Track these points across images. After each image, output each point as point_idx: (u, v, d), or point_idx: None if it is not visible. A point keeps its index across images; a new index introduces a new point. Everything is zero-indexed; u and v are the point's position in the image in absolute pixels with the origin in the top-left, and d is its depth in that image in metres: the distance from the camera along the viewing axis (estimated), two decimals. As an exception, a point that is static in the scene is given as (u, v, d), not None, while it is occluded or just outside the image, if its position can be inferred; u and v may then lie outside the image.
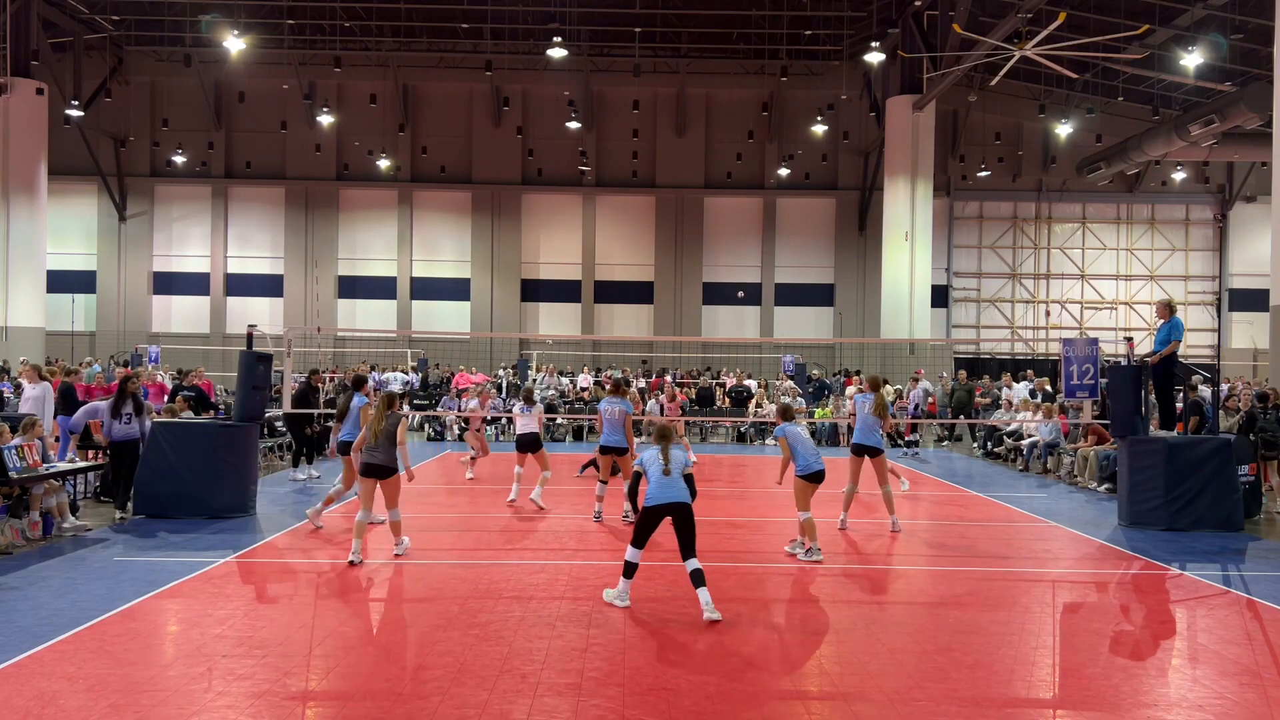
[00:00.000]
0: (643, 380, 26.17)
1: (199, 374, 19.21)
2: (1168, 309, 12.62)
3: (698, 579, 7.43)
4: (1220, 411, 14.02)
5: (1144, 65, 28.09)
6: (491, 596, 8.01)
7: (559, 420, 23.51)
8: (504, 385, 26.27)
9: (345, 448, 11.28)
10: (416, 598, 8.00)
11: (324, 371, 18.32)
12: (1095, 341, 12.91)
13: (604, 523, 11.47)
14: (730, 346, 36.04)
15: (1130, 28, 23.86)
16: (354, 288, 38.12)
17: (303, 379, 16.26)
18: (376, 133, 36.86)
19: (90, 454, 13.08)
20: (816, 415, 23.61)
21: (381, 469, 9.41)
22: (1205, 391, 17.44)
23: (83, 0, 31.91)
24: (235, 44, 28.22)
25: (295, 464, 15.82)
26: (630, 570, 7.69)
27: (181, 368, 22.06)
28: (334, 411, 14.96)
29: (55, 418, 13.98)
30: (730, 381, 27.02)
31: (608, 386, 12.49)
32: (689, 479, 7.83)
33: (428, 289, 38.10)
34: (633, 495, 8.24)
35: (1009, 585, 8.79)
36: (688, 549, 7.50)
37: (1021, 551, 10.45)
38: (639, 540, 7.62)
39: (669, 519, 7.56)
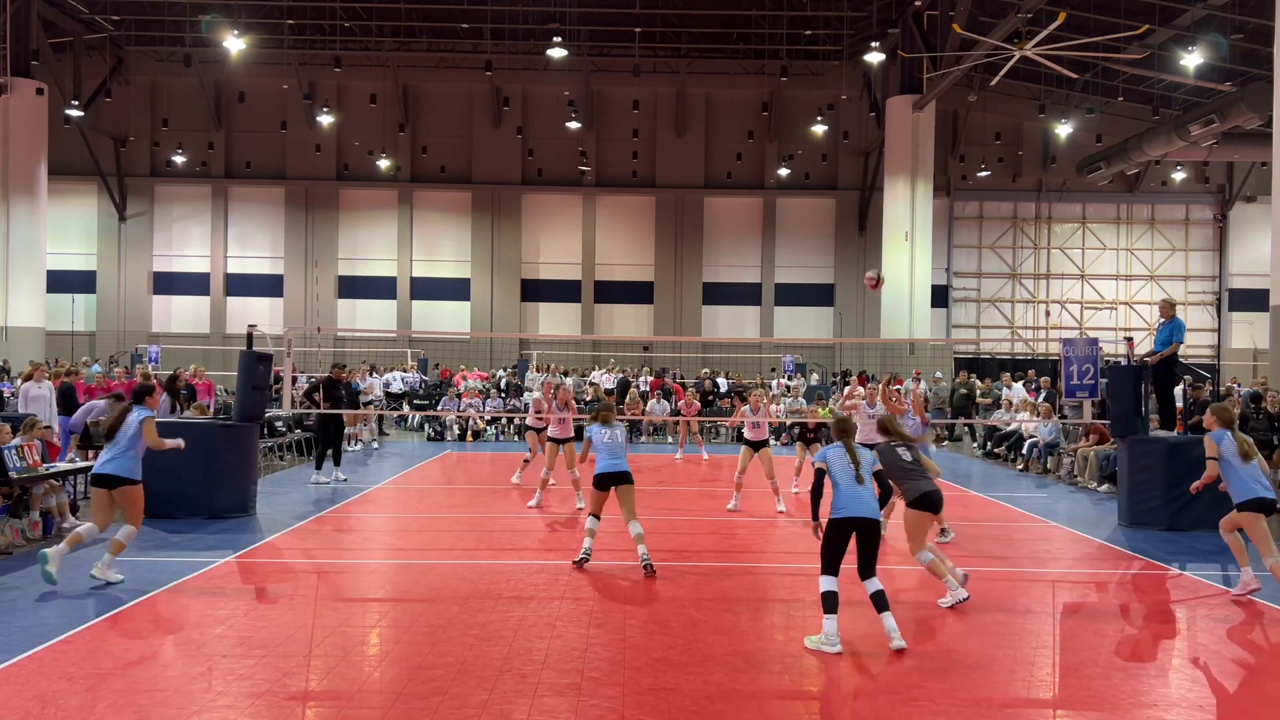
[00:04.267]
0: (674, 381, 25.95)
1: (200, 373, 19.19)
2: (1170, 309, 12.66)
3: (881, 603, 6.59)
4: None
5: (1144, 65, 28.06)
6: (491, 596, 8.01)
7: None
8: (504, 385, 26.26)
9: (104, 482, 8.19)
10: (416, 598, 8.00)
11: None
12: (1095, 341, 12.90)
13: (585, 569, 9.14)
14: (731, 346, 36.02)
15: (1130, 28, 23.83)
16: (354, 288, 38.09)
17: (311, 378, 15.89)
18: (376, 133, 36.83)
19: (90, 454, 13.05)
20: (820, 414, 23.58)
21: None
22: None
23: (83, 0, 31.90)
24: (235, 44, 28.21)
25: (319, 465, 14.85)
26: (832, 603, 6.54)
27: (179, 368, 21.96)
28: (333, 411, 14.97)
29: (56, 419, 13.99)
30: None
31: (592, 404, 9.43)
32: (880, 480, 6.95)
33: (428, 289, 38.08)
34: (817, 497, 6.91)
35: (1009, 585, 8.79)
36: (867, 568, 6.68)
37: (1021, 551, 10.45)
38: (831, 565, 6.61)
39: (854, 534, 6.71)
